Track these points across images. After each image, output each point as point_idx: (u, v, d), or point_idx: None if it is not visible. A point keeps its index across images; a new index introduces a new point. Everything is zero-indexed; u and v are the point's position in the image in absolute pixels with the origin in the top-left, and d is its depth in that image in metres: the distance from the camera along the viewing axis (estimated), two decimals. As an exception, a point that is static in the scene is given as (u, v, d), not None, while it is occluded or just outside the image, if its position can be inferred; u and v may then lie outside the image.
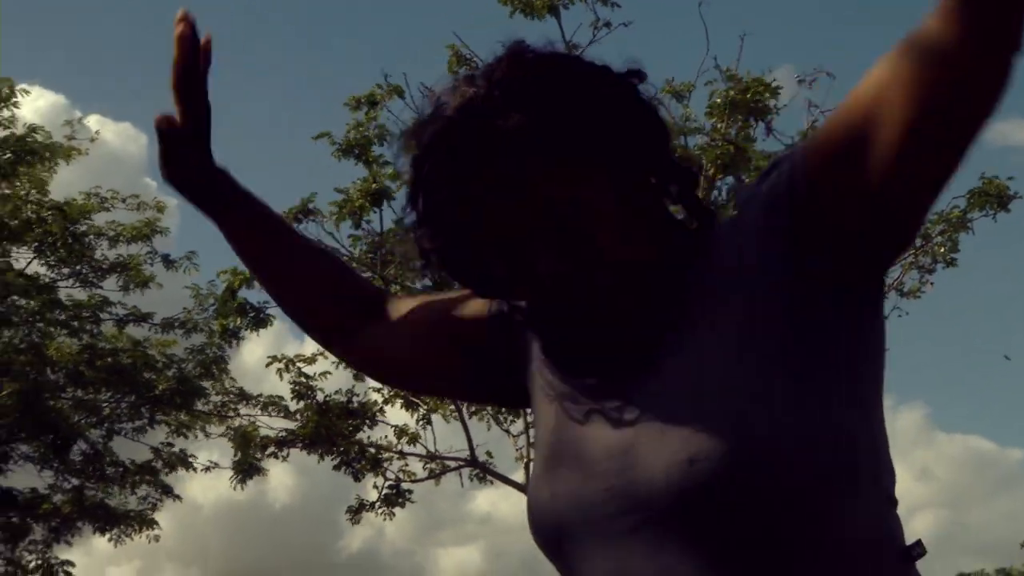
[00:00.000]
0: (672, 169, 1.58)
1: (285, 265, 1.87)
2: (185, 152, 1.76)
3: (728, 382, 1.42)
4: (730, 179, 14.54)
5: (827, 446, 1.39)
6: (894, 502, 1.49)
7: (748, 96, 13.80)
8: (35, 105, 38.15)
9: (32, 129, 16.56)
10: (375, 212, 15.43)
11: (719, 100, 14.01)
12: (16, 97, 16.86)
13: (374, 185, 15.12)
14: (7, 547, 19.05)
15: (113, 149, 41.57)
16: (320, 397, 16.08)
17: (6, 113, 16.95)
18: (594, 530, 1.46)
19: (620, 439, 1.46)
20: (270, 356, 15.99)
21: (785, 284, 1.45)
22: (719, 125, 14.04)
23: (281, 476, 35.36)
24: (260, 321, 16.35)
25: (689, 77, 14.85)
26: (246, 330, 16.39)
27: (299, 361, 16.05)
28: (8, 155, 16.25)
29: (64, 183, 27.38)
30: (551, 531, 1.53)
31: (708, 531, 1.38)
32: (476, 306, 1.76)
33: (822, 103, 14.52)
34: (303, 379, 16.06)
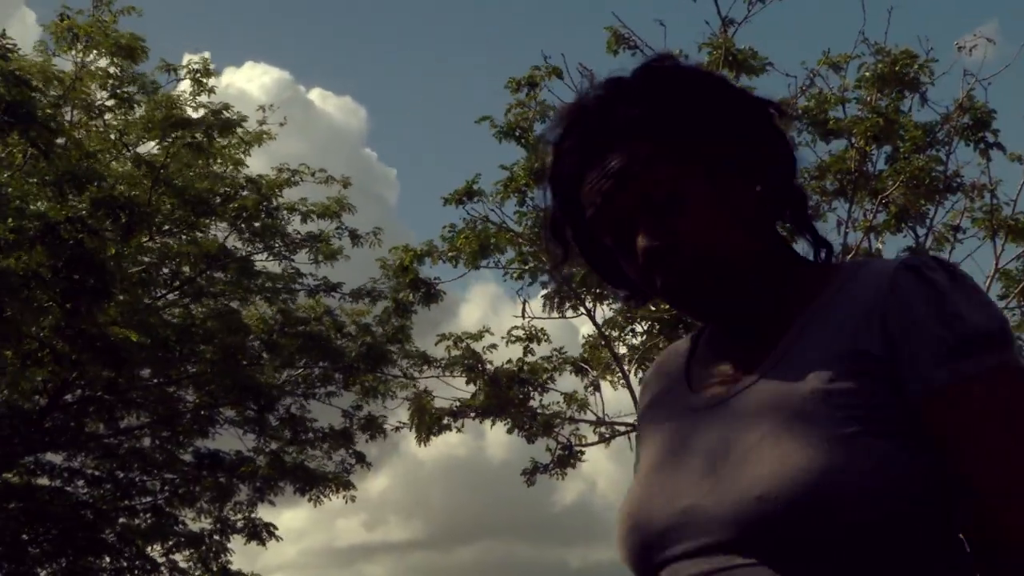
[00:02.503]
0: (785, 190, 1.70)
1: None
2: None
3: (811, 427, 1.48)
4: (887, 148, 14.45)
5: (895, 507, 1.46)
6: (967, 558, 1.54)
7: (896, 69, 13.66)
8: (260, 81, 39.72)
9: (225, 106, 17.41)
10: (539, 189, 15.74)
11: (867, 74, 13.91)
12: (212, 79, 17.74)
13: (537, 164, 15.48)
14: (215, 506, 20.30)
15: (335, 122, 43.11)
16: (490, 368, 16.56)
17: (202, 98, 17.86)
18: (670, 548, 1.56)
19: (703, 464, 1.56)
20: (439, 334, 16.60)
21: (882, 385, 1.52)
22: (868, 97, 13.95)
23: (498, 434, 36.39)
24: (431, 296, 16.99)
25: (847, 49, 14.74)
26: (418, 304, 17.07)
27: (466, 337, 16.58)
28: (204, 133, 17.13)
29: (284, 155, 28.59)
30: (634, 544, 1.63)
31: (769, 563, 1.47)
32: None
33: (979, 71, 14.28)
34: (471, 353, 16.57)
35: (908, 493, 1.47)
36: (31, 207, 12.61)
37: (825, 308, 1.60)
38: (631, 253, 1.65)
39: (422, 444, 17.27)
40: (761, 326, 1.65)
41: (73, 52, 15.85)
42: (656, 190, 1.61)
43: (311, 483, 19.79)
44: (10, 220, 12.01)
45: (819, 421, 1.48)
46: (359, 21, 69.17)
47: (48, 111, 14.24)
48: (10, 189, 12.52)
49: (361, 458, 20.00)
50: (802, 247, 1.77)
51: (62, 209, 12.86)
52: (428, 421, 16.85)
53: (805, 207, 1.74)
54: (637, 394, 1.97)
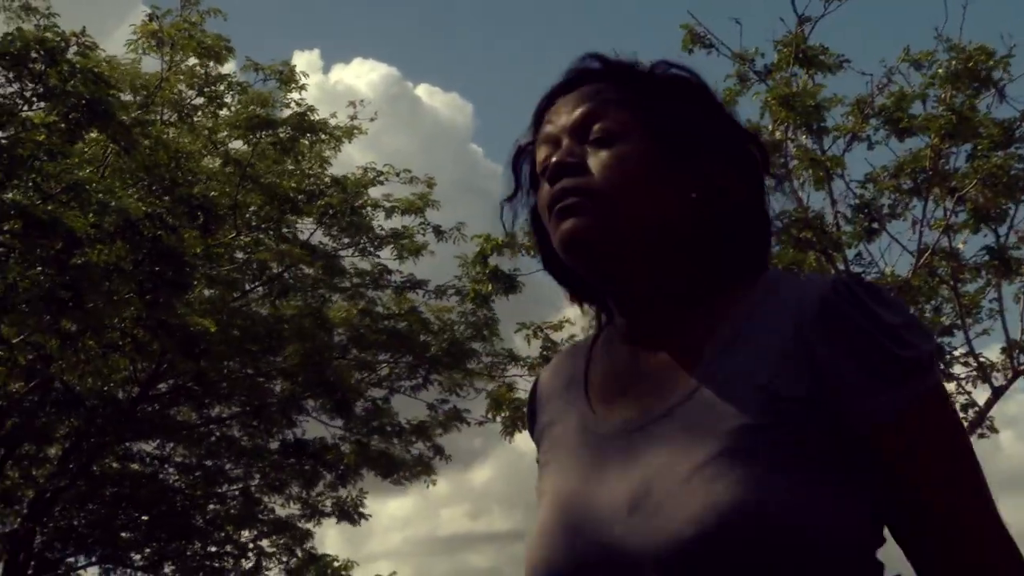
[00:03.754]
0: (742, 211, 1.63)
1: None
2: None
3: (737, 465, 1.42)
4: (967, 146, 14.28)
5: (823, 537, 1.41)
6: None
7: (971, 65, 13.53)
8: (368, 78, 40.17)
9: (310, 108, 17.79)
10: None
11: (940, 70, 13.81)
12: (299, 80, 18.10)
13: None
14: (303, 491, 20.81)
15: (442, 118, 43.68)
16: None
17: (294, 95, 18.24)
18: None
19: (630, 489, 1.48)
20: (519, 323, 16.69)
21: (803, 415, 1.46)
22: (943, 95, 13.84)
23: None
24: (510, 287, 17.06)
25: (927, 46, 14.65)
26: (497, 295, 17.14)
27: (546, 327, 16.67)
28: (288, 132, 17.53)
29: (391, 150, 28.76)
30: None
31: None
32: None
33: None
34: (551, 344, 16.66)
35: (835, 537, 1.42)
36: (116, 203, 13.00)
37: (745, 328, 1.53)
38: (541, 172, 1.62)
39: (508, 440, 17.43)
40: (667, 330, 1.59)
41: (160, 54, 16.29)
42: (599, 121, 1.59)
43: (393, 470, 20.20)
44: (91, 216, 12.42)
45: (744, 459, 1.42)
46: (466, 17, 70.09)
47: (134, 110, 14.72)
48: (93, 184, 12.92)
49: (440, 451, 20.34)
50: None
51: (143, 205, 13.27)
52: (508, 414, 16.98)
53: (766, 241, 1.68)
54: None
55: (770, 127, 13.82)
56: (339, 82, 35.46)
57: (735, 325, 1.53)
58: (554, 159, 1.58)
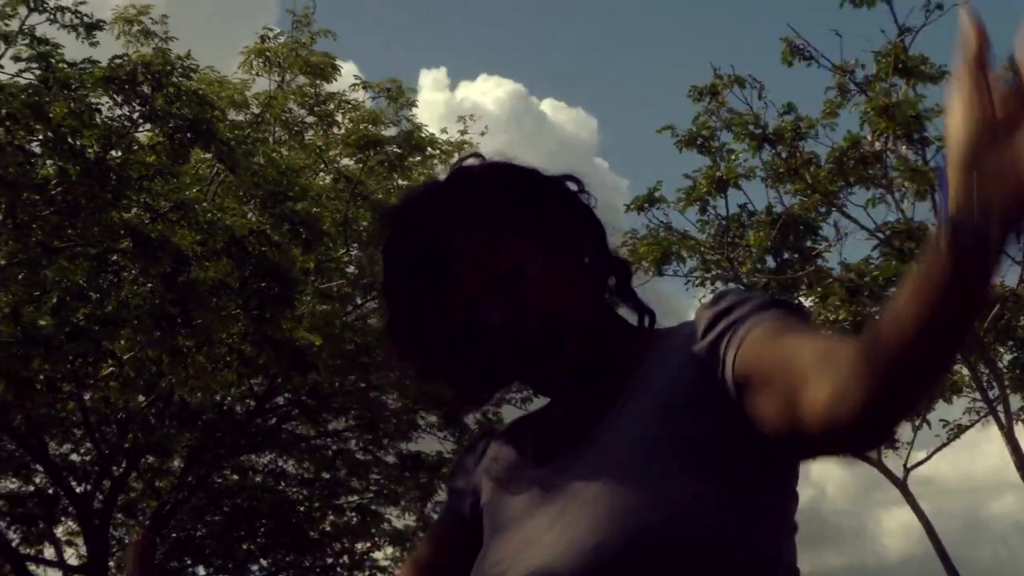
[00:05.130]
0: (607, 260, 1.75)
1: None
2: None
3: (643, 480, 1.52)
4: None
5: (726, 554, 1.49)
6: None
7: (1073, 69, 13.26)
8: (494, 95, 40.46)
9: (417, 127, 18.04)
10: (720, 198, 15.98)
11: (1040, 75, 13.57)
12: (406, 96, 18.40)
13: (718, 173, 15.61)
14: (418, 505, 20.98)
15: (567, 133, 43.85)
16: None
17: (405, 112, 18.54)
18: None
19: (540, 525, 1.59)
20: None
21: (706, 418, 1.54)
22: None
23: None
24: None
25: (1035, 53, 14.39)
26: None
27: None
28: (396, 150, 17.81)
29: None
30: None
31: None
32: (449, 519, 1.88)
33: None
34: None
35: (743, 536, 1.51)
36: (226, 221, 13.33)
37: (648, 370, 1.63)
38: (475, 335, 1.66)
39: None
40: (595, 395, 1.67)
41: (269, 73, 16.66)
42: (497, 266, 1.64)
43: (511, 483, 20.25)
44: (198, 234, 12.77)
45: (649, 472, 1.52)
46: (589, 33, 70.43)
47: (245, 129, 15.08)
48: (204, 204, 13.28)
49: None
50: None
51: (249, 223, 13.59)
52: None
53: (627, 275, 1.77)
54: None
55: (869, 138, 13.72)
56: (465, 99, 35.89)
57: (643, 370, 1.64)
58: (495, 324, 1.63)
